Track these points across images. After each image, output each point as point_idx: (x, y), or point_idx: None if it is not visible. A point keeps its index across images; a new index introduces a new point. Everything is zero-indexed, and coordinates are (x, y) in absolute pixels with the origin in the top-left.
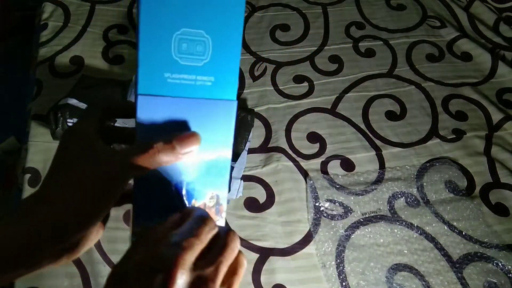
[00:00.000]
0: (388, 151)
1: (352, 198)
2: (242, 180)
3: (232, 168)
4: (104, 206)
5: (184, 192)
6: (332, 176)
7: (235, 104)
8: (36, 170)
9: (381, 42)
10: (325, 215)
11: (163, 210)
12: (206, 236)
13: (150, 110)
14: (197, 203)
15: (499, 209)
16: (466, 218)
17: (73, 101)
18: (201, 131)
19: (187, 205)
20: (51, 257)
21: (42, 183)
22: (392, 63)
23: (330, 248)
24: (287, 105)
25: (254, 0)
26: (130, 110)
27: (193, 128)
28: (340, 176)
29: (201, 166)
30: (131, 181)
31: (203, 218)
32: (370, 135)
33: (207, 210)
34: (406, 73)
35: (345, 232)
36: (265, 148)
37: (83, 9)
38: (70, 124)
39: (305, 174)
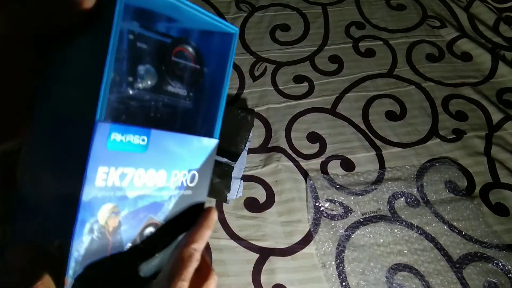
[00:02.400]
0: (388, 151)
1: (352, 198)
2: (242, 180)
3: (232, 168)
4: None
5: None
6: (332, 176)
7: None
8: None
9: (381, 42)
10: (325, 215)
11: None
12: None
13: None
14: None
15: (499, 209)
16: (466, 218)
17: None
18: None
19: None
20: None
21: None
22: (392, 63)
23: (330, 248)
24: (287, 105)
25: (254, 0)
26: None
27: None
28: (340, 176)
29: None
30: None
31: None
32: (370, 135)
33: None
34: (406, 73)
35: (345, 232)
36: (265, 148)
37: None
38: None
39: (305, 174)
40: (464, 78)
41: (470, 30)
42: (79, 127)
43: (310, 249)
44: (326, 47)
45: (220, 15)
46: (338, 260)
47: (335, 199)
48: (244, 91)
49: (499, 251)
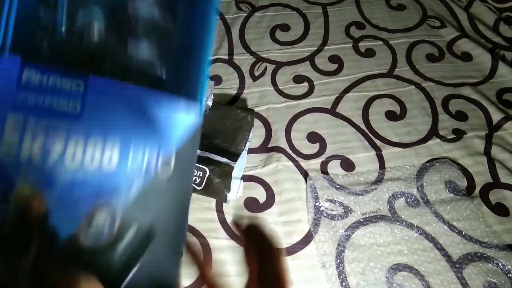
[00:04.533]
0: (388, 151)
1: (352, 198)
2: (242, 180)
3: (232, 168)
4: None
5: None
6: (332, 176)
7: None
8: None
9: (381, 42)
10: (325, 215)
11: None
12: None
13: None
14: None
15: (499, 209)
16: (466, 218)
17: None
18: None
19: None
20: None
21: None
22: (392, 63)
23: (330, 248)
24: (287, 105)
25: (254, 0)
26: None
27: None
28: (340, 176)
29: None
30: None
31: None
32: (370, 135)
33: None
34: (406, 73)
35: (345, 232)
36: (265, 148)
37: None
38: None
39: (305, 174)
40: (464, 78)
41: (470, 30)
42: None
43: (310, 249)
44: (326, 47)
45: (220, 15)
46: (338, 260)
47: (335, 199)
48: (244, 91)
49: (499, 251)
